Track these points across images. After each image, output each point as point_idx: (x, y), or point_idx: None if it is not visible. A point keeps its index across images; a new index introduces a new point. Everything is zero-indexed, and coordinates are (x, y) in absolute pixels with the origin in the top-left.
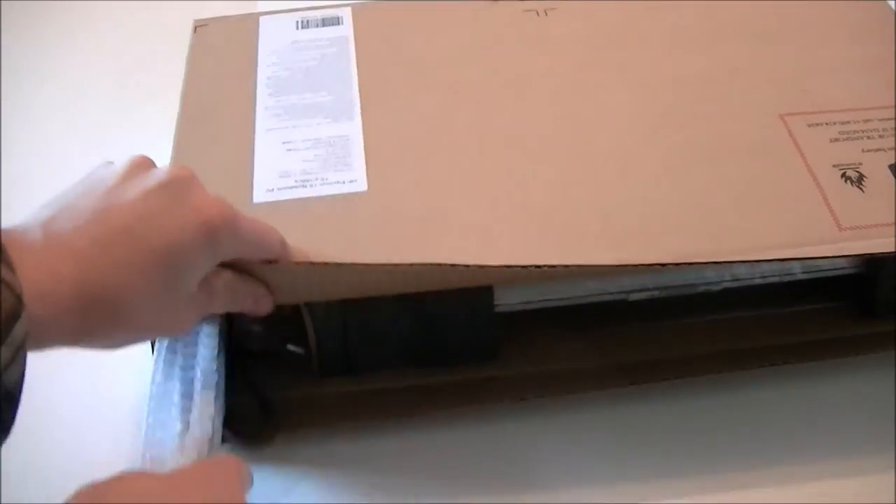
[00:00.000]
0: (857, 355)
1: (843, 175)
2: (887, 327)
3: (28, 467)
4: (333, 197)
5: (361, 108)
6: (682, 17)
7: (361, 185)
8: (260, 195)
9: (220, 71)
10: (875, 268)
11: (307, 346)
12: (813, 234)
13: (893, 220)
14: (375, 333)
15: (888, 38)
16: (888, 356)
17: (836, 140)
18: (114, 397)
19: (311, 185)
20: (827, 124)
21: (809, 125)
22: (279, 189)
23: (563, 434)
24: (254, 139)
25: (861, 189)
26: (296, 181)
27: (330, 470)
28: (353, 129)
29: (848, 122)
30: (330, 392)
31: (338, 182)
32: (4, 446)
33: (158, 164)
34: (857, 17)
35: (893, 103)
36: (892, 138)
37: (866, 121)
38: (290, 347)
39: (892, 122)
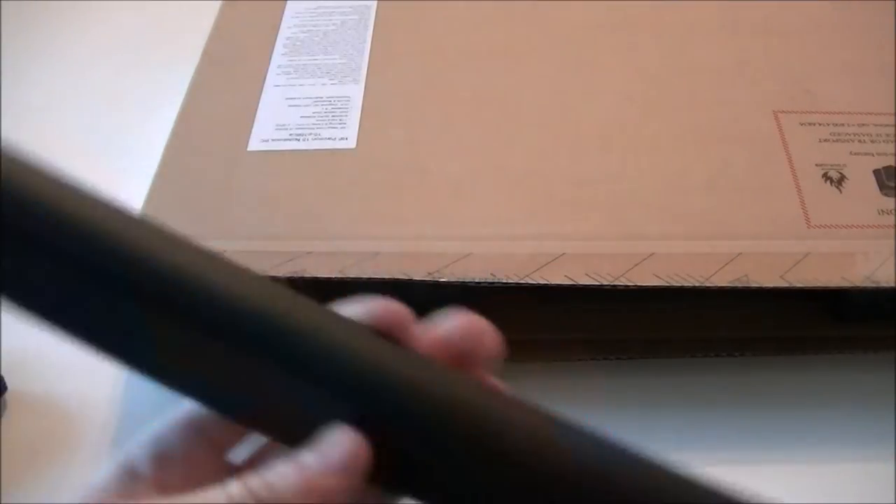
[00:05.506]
0: (818, 354)
1: (825, 175)
2: (858, 331)
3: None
4: (322, 151)
5: (368, 71)
6: (702, 11)
7: (351, 143)
8: (255, 144)
9: (245, 29)
10: None
11: None
12: (780, 227)
13: (864, 223)
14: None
15: None
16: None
17: (826, 140)
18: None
19: (304, 139)
20: (820, 124)
21: (801, 123)
22: (273, 140)
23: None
24: (261, 93)
25: (839, 189)
26: (290, 134)
27: None
28: (356, 91)
29: (842, 125)
30: None
31: (329, 138)
32: (5, 444)
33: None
34: (876, 22)
35: (894, 110)
36: (885, 144)
37: (861, 125)
38: None
39: (888, 128)
